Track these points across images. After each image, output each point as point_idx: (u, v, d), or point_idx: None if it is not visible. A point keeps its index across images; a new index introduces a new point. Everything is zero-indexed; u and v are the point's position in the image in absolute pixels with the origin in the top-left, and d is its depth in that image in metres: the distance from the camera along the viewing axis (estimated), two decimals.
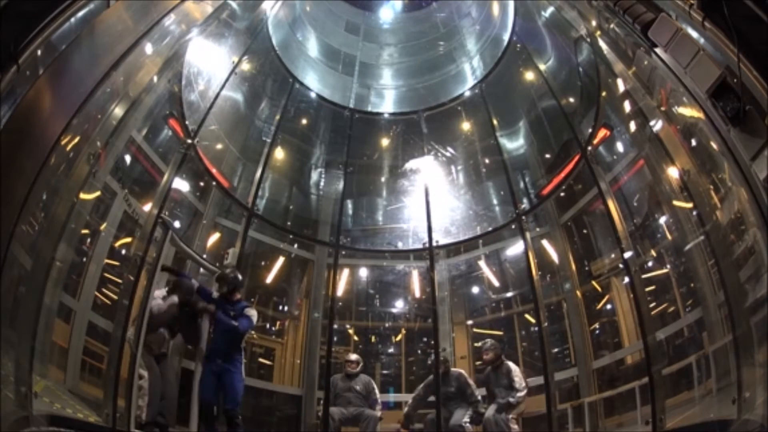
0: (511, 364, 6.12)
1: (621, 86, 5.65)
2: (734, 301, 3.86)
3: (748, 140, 3.12)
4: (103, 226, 4.95)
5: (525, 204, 7.64)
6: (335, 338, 7.69)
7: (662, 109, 4.76)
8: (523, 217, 7.35)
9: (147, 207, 5.54)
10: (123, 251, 5.31)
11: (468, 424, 5.81)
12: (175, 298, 5.30)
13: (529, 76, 8.15)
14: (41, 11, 3.14)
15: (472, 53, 9.34)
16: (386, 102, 9.72)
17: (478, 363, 7.03)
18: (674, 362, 4.95)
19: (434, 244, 7.74)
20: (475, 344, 7.63)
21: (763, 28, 2.92)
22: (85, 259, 4.73)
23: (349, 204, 8.86)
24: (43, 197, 3.64)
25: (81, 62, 3.79)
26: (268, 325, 7.83)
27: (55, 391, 4.04)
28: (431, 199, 8.07)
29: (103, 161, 4.70)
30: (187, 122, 6.26)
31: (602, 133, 6.31)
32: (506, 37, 8.34)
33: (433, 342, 7.21)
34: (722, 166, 3.77)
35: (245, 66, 7.76)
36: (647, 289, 5.54)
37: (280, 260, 7.97)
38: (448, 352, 7.36)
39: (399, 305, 8.51)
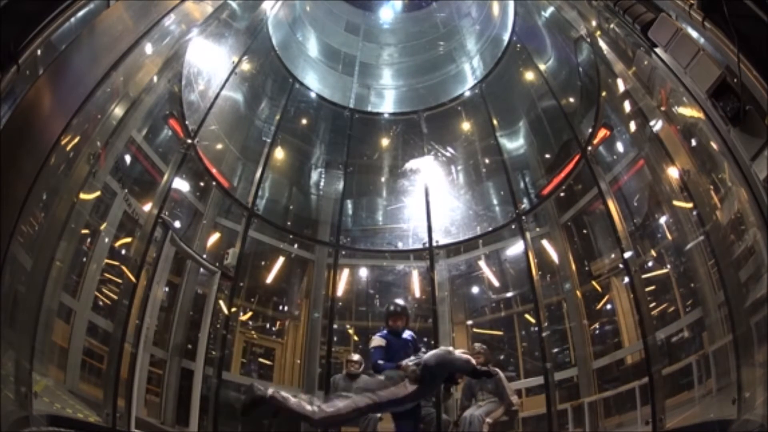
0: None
1: (621, 86, 5.64)
2: (734, 301, 3.87)
3: (748, 140, 3.12)
4: (103, 226, 4.96)
5: (525, 204, 7.63)
6: (335, 338, 7.69)
7: (662, 109, 4.76)
8: (523, 217, 7.35)
9: (147, 207, 5.55)
10: (123, 251, 5.30)
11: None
12: None
13: (529, 76, 8.14)
14: (41, 11, 3.14)
15: (472, 53, 9.33)
16: (386, 102, 9.70)
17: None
18: (674, 362, 4.95)
19: (434, 244, 7.74)
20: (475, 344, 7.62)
21: (763, 28, 2.91)
22: (85, 259, 4.73)
23: (349, 204, 8.85)
24: (43, 197, 3.64)
25: (81, 62, 3.80)
26: (268, 325, 7.82)
27: (55, 391, 4.04)
28: (431, 199, 8.06)
29: (103, 161, 4.70)
30: (187, 122, 6.26)
31: (602, 133, 6.30)
32: (506, 37, 8.34)
33: (433, 342, 7.21)
34: (722, 166, 3.77)
35: (245, 66, 7.75)
36: (647, 289, 5.54)
37: (280, 260, 7.96)
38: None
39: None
